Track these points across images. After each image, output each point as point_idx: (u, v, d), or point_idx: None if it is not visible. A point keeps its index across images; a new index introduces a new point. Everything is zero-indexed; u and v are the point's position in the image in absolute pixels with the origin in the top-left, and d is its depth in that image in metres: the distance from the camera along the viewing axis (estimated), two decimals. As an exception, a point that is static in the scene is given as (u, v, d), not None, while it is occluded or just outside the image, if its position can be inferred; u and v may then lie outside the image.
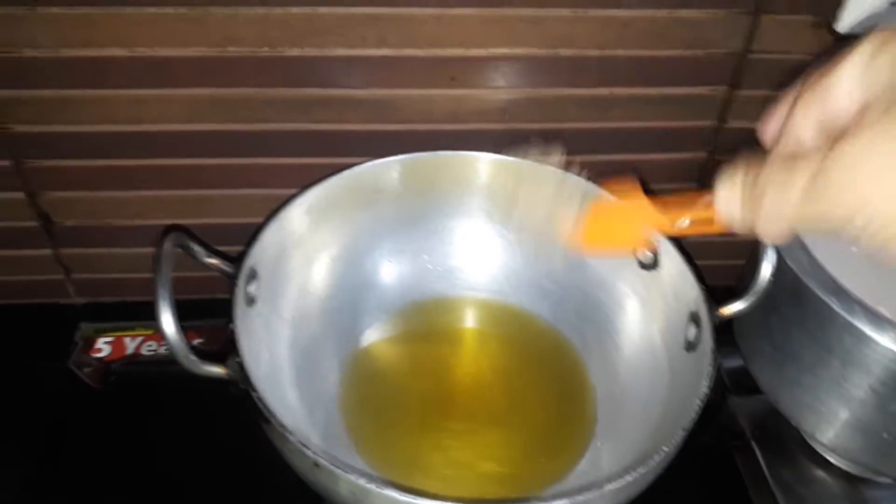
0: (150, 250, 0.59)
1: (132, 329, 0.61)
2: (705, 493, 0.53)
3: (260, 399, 0.38)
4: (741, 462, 0.53)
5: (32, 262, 0.60)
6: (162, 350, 0.60)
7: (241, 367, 0.39)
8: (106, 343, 0.60)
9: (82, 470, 0.52)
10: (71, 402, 0.56)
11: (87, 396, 0.57)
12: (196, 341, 0.59)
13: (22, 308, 0.62)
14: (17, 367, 0.58)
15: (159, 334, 0.59)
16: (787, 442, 0.53)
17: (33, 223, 0.57)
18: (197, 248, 0.44)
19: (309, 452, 0.36)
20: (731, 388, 0.55)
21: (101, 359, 0.59)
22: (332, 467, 0.36)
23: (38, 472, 0.52)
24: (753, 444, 0.53)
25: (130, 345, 0.60)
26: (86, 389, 0.57)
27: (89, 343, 0.60)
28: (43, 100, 0.50)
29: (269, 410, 0.38)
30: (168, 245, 0.40)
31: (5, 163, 0.53)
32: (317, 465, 0.37)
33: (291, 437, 0.37)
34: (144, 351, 0.60)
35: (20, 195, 0.55)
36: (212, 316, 0.57)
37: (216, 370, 0.40)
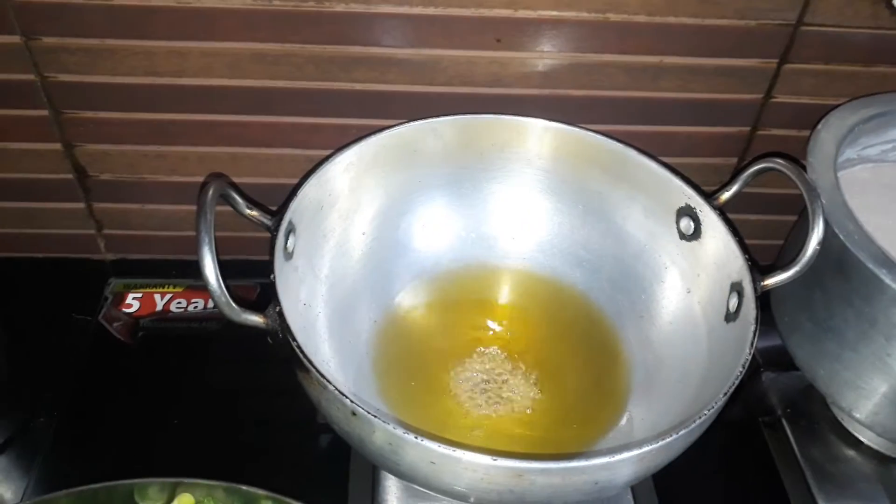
0: (183, 208, 0.60)
1: (162, 286, 0.61)
2: (735, 467, 0.53)
3: (299, 347, 0.38)
4: (770, 438, 0.53)
5: (65, 216, 0.60)
6: (190, 308, 0.60)
7: (281, 316, 0.39)
8: (135, 299, 0.60)
9: (110, 421, 0.53)
10: (101, 356, 0.57)
11: (116, 350, 0.57)
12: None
13: (52, 261, 0.63)
14: (49, 319, 0.58)
15: (188, 292, 0.61)
16: (818, 420, 0.53)
17: (68, 175, 0.57)
18: (238, 199, 0.44)
19: (347, 401, 0.36)
20: (763, 364, 0.54)
21: (130, 314, 0.59)
22: (370, 416, 0.36)
23: (67, 422, 0.53)
24: (784, 421, 0.53)
25: (160, 301, 0.60)
26: (115, 343, 0.57)
27: (119, 298, 0.60)
28: (87, 49, 0.49)
29: (307, 359, 0.38)
30: (211, 192, 0.40)
31: (44, 112, 0.53)
32: (354, 413, 0.36)
33: (330, 386, 0.37)
34: (173, 308, 0.60)
35: (57, 146, 0.55)
36: (241, 276, 0.57)
37: (256, 319, 0.40)
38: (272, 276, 0.41)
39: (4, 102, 0.52)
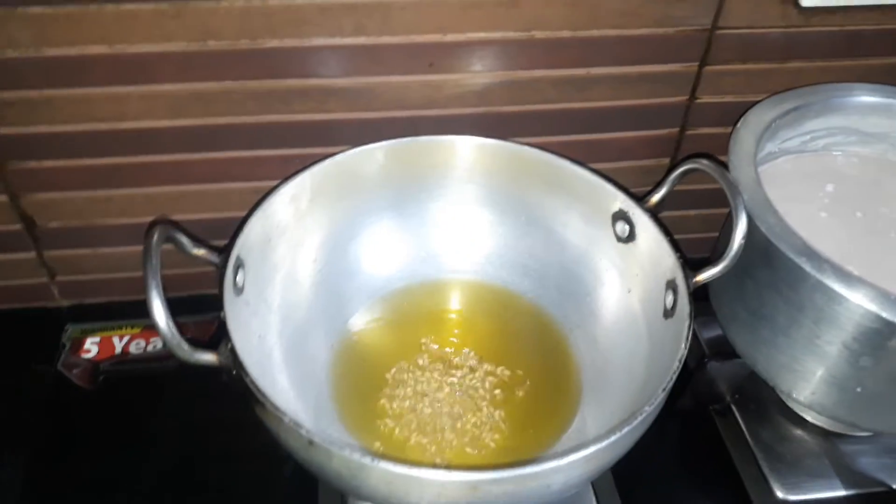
0: (135, 249, 0.59)
1: (119, 328, 0.61)
2: (689, 454, 0.55)
3: (253, 382, 0.39)
4: (721, 424, 0.55)
5: (16, 266, 0.60)
6: (149, 348, 0.60)
7: (234, 353, 0.40)
8: (93, 343, 0.60)
9: (77, 470, 0.53)
10: (62, 404, 0.57)
11: (77, 397, 0.57)
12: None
13: (6, 313, 0.62)
14: (7, 372, 0.58)
15: (147, 332, 0.61)
16: (765, 403, 0.55)
17: (16, 226, 0.57)
18: (184, 240, 0.44)
19: (303, 432, 0.37)
20: (709, 354, 0.57)
21: (89, 359, 0.59)
22: (327, 445, 0.37)
23: (33, 473, 0.52)
24: (733, 407, 0.55)
25: (118, 344, 0.60)
26: (76, 390, 0.57)
27: (77, 344, 0.60)
28: (25, 101, 0.50)
29: (261, 393, 0.39)
30: (156, 236, 0.40)
31: (-14, 166, 0.53)
32: (311, 443, 0.37)
33: (285, 418, 0.38)
34: (132, 349, 0.60)
35: (3, 198, 0.55)
36: (198, 312, 0.58)
37: (208, 357, 0.40)
38: (222, 314, 0.42)
39: (-56, 160, 0.53)
